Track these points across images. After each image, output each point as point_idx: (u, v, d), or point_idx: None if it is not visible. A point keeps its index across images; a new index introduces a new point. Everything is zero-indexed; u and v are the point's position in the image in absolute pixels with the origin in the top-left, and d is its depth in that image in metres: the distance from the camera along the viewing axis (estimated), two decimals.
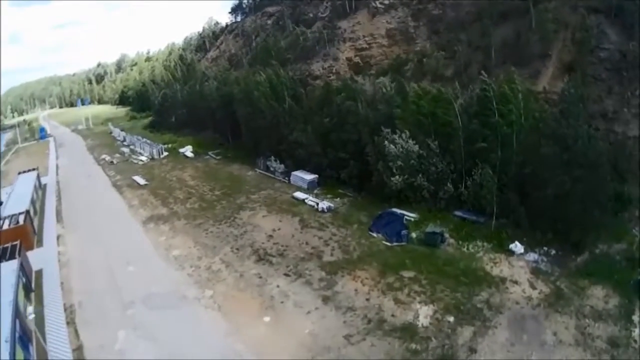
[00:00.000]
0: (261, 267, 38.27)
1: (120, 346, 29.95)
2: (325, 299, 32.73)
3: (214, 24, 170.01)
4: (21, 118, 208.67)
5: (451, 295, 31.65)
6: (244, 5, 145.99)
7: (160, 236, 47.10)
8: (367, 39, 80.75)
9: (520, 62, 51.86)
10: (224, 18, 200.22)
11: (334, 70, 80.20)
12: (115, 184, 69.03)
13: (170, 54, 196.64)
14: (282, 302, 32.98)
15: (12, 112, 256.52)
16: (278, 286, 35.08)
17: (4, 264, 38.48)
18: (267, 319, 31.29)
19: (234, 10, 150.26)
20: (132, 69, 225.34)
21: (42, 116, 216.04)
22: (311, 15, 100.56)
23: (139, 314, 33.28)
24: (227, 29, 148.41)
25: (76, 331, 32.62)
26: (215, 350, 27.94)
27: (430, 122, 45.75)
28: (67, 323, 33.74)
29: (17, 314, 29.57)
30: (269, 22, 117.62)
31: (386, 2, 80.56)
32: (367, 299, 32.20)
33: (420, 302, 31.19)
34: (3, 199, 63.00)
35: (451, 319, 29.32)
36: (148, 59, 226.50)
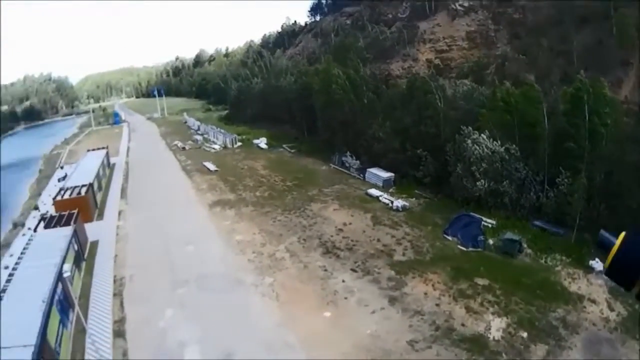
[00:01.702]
0: (327, 260, 37.24)
1: (164, 324, 29.93)
2: (392, 300, 31.17)
3: (293, 23, 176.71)
4: (96, 105, 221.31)
5: (526, 308, 29.43)
6: (323, 6, 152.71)
7: (225, 220, 47.64)
8: (447, 40, 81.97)
9: (601, 70, 49.06)
10: (303, 18, 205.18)
11: (413, 71, 79.24)
12: (185, 168, 71.60)
13: (248, 50, 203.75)
14: (345, 298, 31.71)
15: (88, 99, 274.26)
16: (343, 281, 33.87)
17: (58, 229, 40.82)
18: (327, 314, 30.10)
19: (313, 10, 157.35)
20: (209, 64, 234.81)
21: (117, 104, 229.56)
22: (390, 15, 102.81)
23: (190, 293, 33.37)
24: (306, 29, 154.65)
25: (122, 303, 33.22)
26: (263, 339, 27.26)
27: (516, 122, 43.89)
28: (114, 295, 34.59)
29: (61, 279, 30.35)
30: (348, 22, 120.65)
31: (466, 4, 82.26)
32: (437, 304, 30.39)
33: (493, 313, 29.16)
34: (69, 172, 67.52)
35: (524, 334, 27.20)
36: (226, 55, 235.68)
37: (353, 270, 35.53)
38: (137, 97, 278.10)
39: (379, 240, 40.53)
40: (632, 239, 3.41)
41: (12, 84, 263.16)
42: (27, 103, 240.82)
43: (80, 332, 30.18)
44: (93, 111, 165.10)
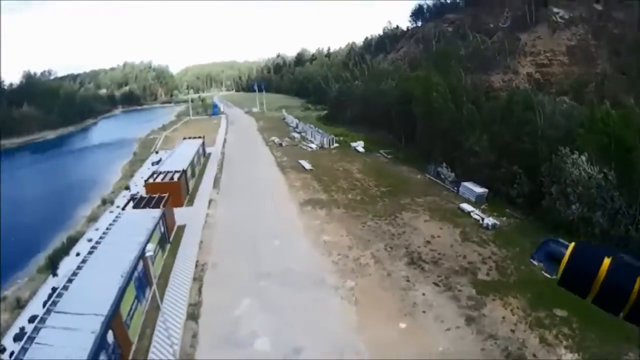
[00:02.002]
0: (411, 271, 36.07)
1: (239, 312, 30.19)
2: (469, 320, 29.64)
3: (395, 28, 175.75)
4: (195, 95, 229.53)
5: (600, 346, 27.24)
6: (424, 11, 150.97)
7: (315, 220, 47.52)
8: (547, 54, 79.53)
9: None
10: (404, 22, 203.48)
11: (513, 85, 77.24)
12: (280, 164, 72.32)
13: (349, 52, 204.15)
14: (423, 312, 30.51)
15: (188, 89, 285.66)
16: (424, 294, 32.62)
17: (147, 210, 42.37)
18: (402, 325, 29.06)
19: (414, 15, 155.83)
20: (310, 63, 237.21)
21: (217, 96, 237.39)
22: (491, 25, 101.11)
23: (270, 287, 33.37)
24: (408, 34, 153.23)
25: (200, 288, 33.88)
26: (334, 342, 26.87)
27: (613, 146, 40.76)
28: (194, 279, 35.41)
29: (143, 257, 31.27)
30: (449, 29, 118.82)
31: (566, 16, 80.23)
32: (512, 330, 28.59)
33: (566, 347, 27.17)
34: (164, 157, 70.21)
35: None
36: (328, 55, 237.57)
37: (435, 284, 34.24)
38: (236, 91, 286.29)
39: (465, 257, 38.92)
40: (581, 249, 3.69)
41: (112, 69, 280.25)
42: (127, 88, 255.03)
43: (154, 309, 30.82)
44: (192, 101, 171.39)
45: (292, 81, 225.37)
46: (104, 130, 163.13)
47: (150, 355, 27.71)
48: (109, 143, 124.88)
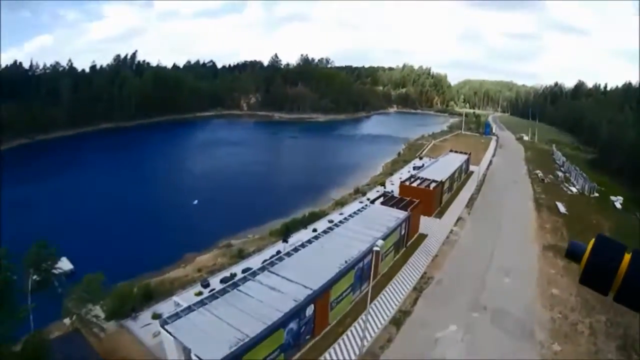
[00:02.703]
0: (620, 357, 31.80)
1: (441, 335, 30.45)
2: None
3: None
4: (470, 110, 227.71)
5: None
6: None
7: (552, 268, 44.77)
8: None
9: None
10: None
11: None
12: (537, 200, 69.13)
13: (625, 92, 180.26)
14: None
15: (464, 102, 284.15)
16: None
17: (394, 210, 45.08)
18: None
19: None
20: (586, 99, 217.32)
21: (491, 116, 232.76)
22: None
23: (481, 321, 32.97)
24: None
25: (416, 299, 35.17)
26: None
27: None
28: (414, 288, 36.89)
29: (373, 251, 32.66)
30: None
31: None
32: None
33: None
34: (426, 164, 72.04)
35: None
36: (604, 93, 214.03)
37: None
38: (511, 114, 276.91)
39: None
40: (601, 244, 3.44)
41: (390, 69, 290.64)
42: (403, 90, 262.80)
43: (361, 302, 32.40)
44: (466, 115, 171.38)
45: (567, 115, 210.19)
46: (375, 124, 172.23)
47: (339, 341, 29.94)
48: (378, 138, 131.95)
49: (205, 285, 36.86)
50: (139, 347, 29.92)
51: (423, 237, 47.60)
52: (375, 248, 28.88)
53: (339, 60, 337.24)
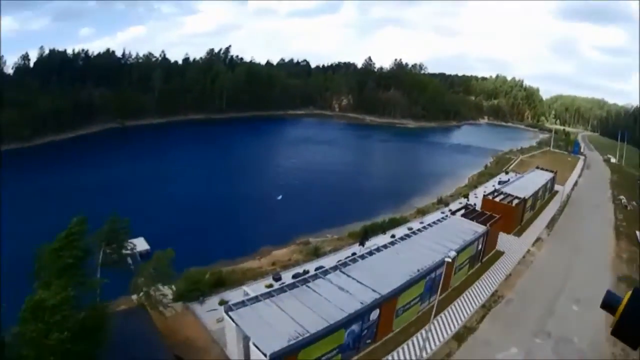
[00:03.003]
0: None
1: (501, 356, 29.50)
2: None
3: None
4: (560, 127, 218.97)
5: None
6: None
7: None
8: None
9: None
10: None
11: None
12: (617, 228, 64.60)
13: None
14: None
15: (555, 118, 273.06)
16: None
17: (473, 223, 43.70)
18: None
19: None
20: None
21: (580, 134, 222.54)
22: None
23: (543, 348, 31.45)
24: None
25: (483, 317, 34.04)
26: None
27: None
28: (482, 306, 35.62)
29: (445, 262, 31.44)
30: None
31: None
32: None
33: None
34: (511, 179, 69.73)
35: None
36: None
37: None
38: (601, 134, 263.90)
39: None
40: (636, 300, 3.36)
41: (483, 79, 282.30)
42: (495, 101, 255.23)
43: (428, 313, 31.52)
44: (555, 132, 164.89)
45: None
46: (465, 135, 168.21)
47: (399, 349, 29.34)
48: (467, 148, 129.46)
49: (277, 278, 37.08)
50: (201, 330, 30.49)
51: (499, 254, 45.96)
52: (447, 259, 27.74)
53: (432, 66, 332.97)
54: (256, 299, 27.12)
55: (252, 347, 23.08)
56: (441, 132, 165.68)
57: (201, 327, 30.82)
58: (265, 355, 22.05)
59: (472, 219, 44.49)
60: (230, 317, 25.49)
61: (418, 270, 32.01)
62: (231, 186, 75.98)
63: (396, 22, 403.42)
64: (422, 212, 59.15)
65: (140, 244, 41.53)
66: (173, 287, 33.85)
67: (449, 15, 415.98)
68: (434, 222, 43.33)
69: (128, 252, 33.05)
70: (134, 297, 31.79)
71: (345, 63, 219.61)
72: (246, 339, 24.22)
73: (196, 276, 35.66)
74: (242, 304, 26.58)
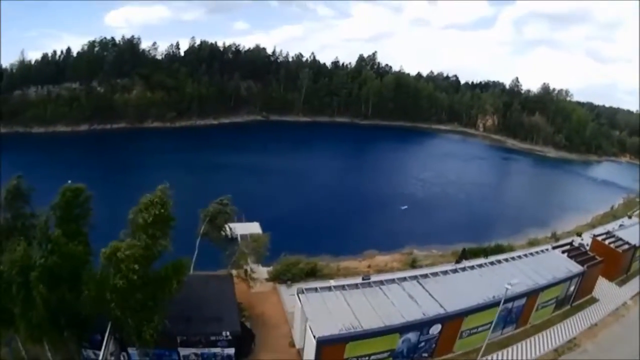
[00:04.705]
0: None
1: None
2: None
3: None
4: None
5: None
6: None
7: None
8: None
9: None
10: None
11: None
12: None
13: None
14: None
15: None
16: None
17: (569, 261, 40.90)
18: None
19: None
20: None
21: None
22: None
23: None
24: None
25: None
26: None
27: None
28: (555, 350, 33.62)
29: (530, 296, 31.95)
30: None
31: None
32: None
33: None
34: (628, 224, 64.54)
35: None
36: None
37: None
38: None
39: None
40: None
41: (629, 112, 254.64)
42: (637, 139, 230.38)
43: (498, 343, 31.59)
44: None
45: None
46: (605, 172, 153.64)
47: None
48: (603, 185, 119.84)
49: (366, 279, 38.13)
50: (278, 310, 33.00)
51: (593, 301, 42.52)
52: (507, 285, 26.90)
53: (578, 93, 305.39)
54: (328, 289, 29.01)
55: (307, 329, 24.88)
56: (581, 166, 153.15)
57: (280, 307, 33.39)
58: (314, 337, 23.78)
59: (571, 257, 42.05)
60: (299, 299, 27.61)
61: (493, 297, 31.49)
62: (363, 190, 78.48)
63: (549, 44, 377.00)
64: (532, 244, 56.61)
65: (254, 228, 43.68)
66: (270, 267, 36.81)
67: (604, 40, 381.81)
68: (530, 254, 41.79)
69: (227, 232, 35.61)
70: (228, 269, 34.24)
71: (494, 82, 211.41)
72: (305, 320, 26.07)
73: (292, 262, 38.22)
74: (315, 290, 28.62)
